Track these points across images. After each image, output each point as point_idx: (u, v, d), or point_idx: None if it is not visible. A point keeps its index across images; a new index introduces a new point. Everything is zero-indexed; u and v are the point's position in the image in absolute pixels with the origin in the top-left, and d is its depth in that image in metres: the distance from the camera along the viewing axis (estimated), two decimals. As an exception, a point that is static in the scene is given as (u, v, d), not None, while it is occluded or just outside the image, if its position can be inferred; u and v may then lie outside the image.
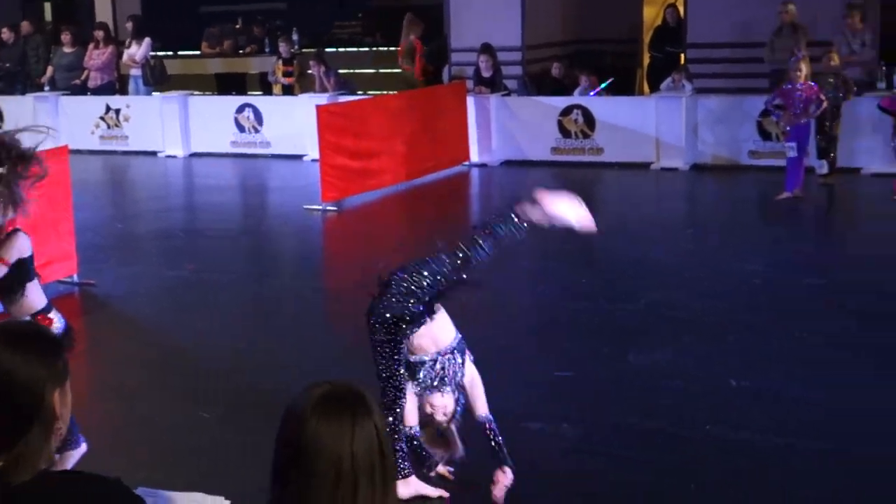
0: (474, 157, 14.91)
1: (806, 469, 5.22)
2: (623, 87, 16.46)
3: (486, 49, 15.36)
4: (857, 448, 5.39)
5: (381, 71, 20.73)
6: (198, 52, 21.52)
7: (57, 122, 16.89)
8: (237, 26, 22.64)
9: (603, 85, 15.28)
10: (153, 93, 17.28)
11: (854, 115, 12.87)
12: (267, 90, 18.16)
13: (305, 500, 2.04)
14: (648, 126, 14.21)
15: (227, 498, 2.70)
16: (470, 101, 14.94)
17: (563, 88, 15.67)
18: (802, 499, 4.93)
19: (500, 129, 15.01)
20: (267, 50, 19.89)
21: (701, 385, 6.36)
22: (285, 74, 17.17)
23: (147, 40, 17.36)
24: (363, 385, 2.18)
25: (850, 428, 5.65)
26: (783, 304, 7.94)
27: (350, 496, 2.04)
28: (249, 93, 18.97)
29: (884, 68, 13.38)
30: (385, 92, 17.40)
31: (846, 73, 12.66)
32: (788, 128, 11.95)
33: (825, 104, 11.87)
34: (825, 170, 12.38)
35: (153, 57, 17.68)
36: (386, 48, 21.17)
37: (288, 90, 17.10)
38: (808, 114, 11.79)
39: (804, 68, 11.79)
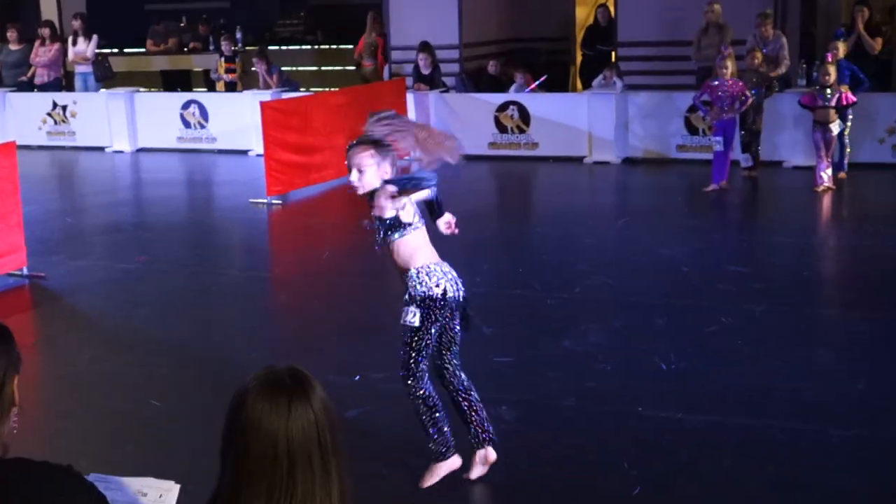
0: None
1: (731, 444, 5.30)
2: (556, 84, 16.55)
3: (425, 47, 15.37)
4: (779, 422, 5.48)
5: (323, 68, 20.67)
6: (143, 50, 21.31)
7: (4, 117, 16.72)
8: (182, 24, 22.44)
9: (538, 82, 15.34)
10: (100, 89, 17.08)
11: (776, 111, 13.05)
12: (211, 87, 18.04)
13: (241, 483, 2.02)
14: (581, 121, 14.31)
15: (177, 482, 2.68)
16: (410, 98, 14.96)
17: (500, 85, 15.73)
18: (727, 471, 5.00)
19: (439, 125, 14.98)
20: (211, 48, 19.73)
21: (632, 367, 6.43)
22: (227, 71, 17.07)
23: (95, 37, 17.16)
24: (307, 370, 2.16)
25: (771, 404, 5.75)
26: (709, 289, 8.04)
27: (286, 479, 2.01)
28: (195, 89, 18.84)
29: (804, 66, 13.57)
30: (327, 88, 17.34)
31: (768, 72, 12.82)
32: (715, 123, 12.09)
33: (750, 100, 12.03)
34: (749, 163, 12.56)
35: (99, 54, 17.47)
36: (327, 46, 21.11)
37: (231, 87, 17.01)
38: (734, 109, 11.93)
39: (730, 66, 11.92)
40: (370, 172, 4.75)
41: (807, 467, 5.04)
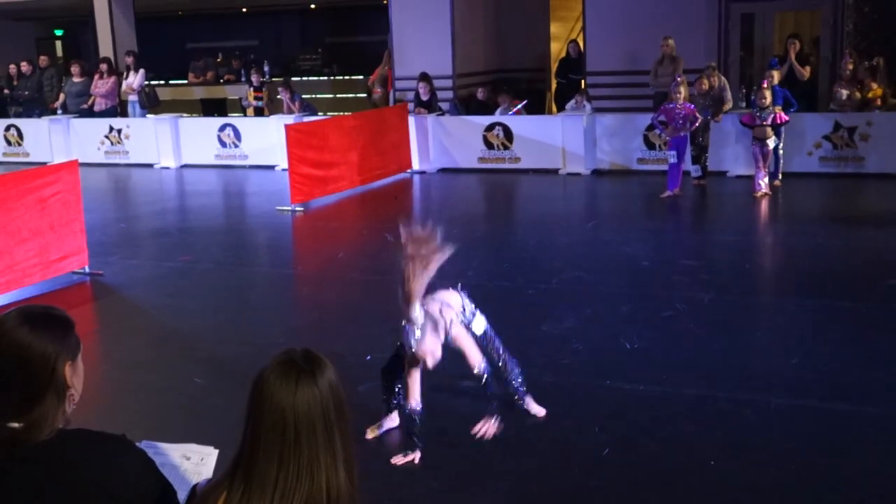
0: (415, 165, 14.90)
1: (685, 411, 5.29)
2: (535, 107, 16.54)
3: (424, 77, 15.36)
4: (725, 393, 5.47)
5: (338, 96, 20.65)
6: (185, 81, 21.28)
7: (68, 140, 16.68)
8: (218, 59, 22.41)
9: (520, 105, 15.34)
10: (148, 115, 17.05)
11: (721, 128, 13.04)
12: (243, 113, 18.03)
13: (257, 447, 2.02)
14: (556, 139, 14.29)
15: (215, 448, 2.66)
16: (411, 120, 14.92)
17: (487, 109, 15.72)
18: (682, 434, 4.98)
19: (436, 143, 15.01)
20: (242, 79, 19.71)
21: (601, 347, 6.41)
22: (256, 99, 17.08)
23: (142, 71, 17.14)
24: (323, 353, 2.15)
25: (719, 378, 5.73)
26: (666, 280, 8.02)
27: (293, 445, 2.01)
28: (229, 114, 18.81)
29: (744, 91, 13.55)
30: (342, 113, 17.32)
31: (714, 95, 12.82)
32: (669, 139, 12.09)
33: (699, 120, 12.03)
34: (699, 173, 12.55)
35: (147, 85, 17.45)
36: (341, 77, 21.09)
37: (259, 112, 17.01)
38: (686, 128, 11.93)
39: (683, 91, 11.91)
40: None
41: (750, 431, 5.03)
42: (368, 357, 6.28)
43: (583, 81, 16.02)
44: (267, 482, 2.00)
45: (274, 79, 18.89)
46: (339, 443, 2.05)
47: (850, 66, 13.20)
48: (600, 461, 4.73)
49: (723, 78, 13.36)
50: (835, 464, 4.60)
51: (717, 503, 4.30)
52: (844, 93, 13.06)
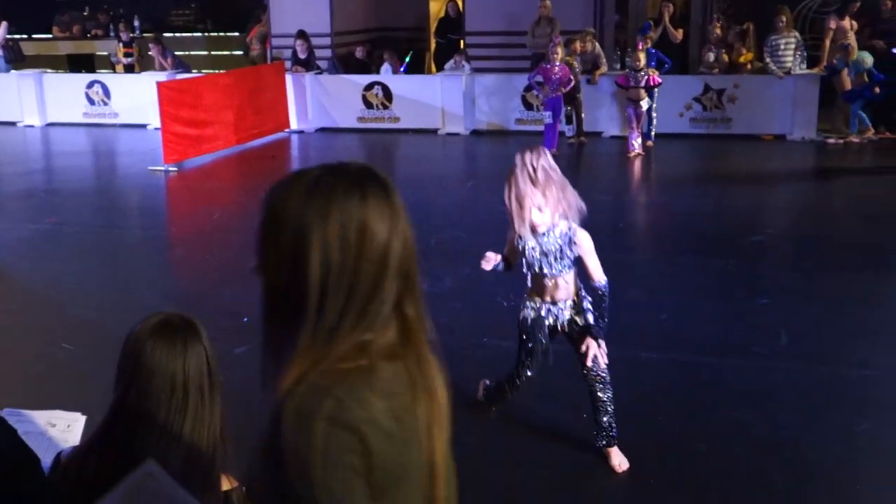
0: (293, 125, 14.72)
1: (558, 365, 5.40)
2: (414, 67, 16.50)
3: (301, 35, 15.12)
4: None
5: (213, 53, 20.14)
6: (50, 36, 20.38)
7: (-77, 96, 15.81)
8: (85, 13, 21.50)
9: (407, 59, 15.33)
10: (11, 70, 16.29)
11: (596, 90, 13.28)
12: (112, 70, 17.42)
13: (144, 411, 2.01)
14: (435, 99, 14.30)
15: (83, 414, 2.60)
16: (288, 79, 14.71)
17: (366, 68, 15.60)
18: (553, 385, 5.08)
19: (315, 102, 14.84)
20: (111, 34, 18.99)
21: (478, 306, 6.50)
22: (125, 55, 16.53)
23: (4, 24, 16.35)
24: (193, 316, 2.14)
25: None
26: (543, 240, 8.14)
27: (181, 407, 2.02)
28: (98, 71, 18.13)
29: (618, 53, 13.82)
30: (217, 71, 16.91)
31: (588, 59, 13.04)
32: (545, 100, 12.24)
33: (574, 81, 12.22)
34: (573, 132, 12.78)
35: (10, 39, 16.65)
36: (216, 33, 20.56)
37: (129, 69, 16.47)
38: (562, 89, 12.10)
39: (559, 52, 12.06)
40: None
41: (622, 385, 5.17)
42: (245, 319, 6.21)
43: (462, 41, 16.05)
44: (149, 443, 1.99)
45: (144, 34, 18.27)
46: (218, 400, 2.09)
47: (718, 31, 13.61)
48: (477, 417, 4.80)
49: (597, 45, 13.60)
50: (702, 415, 4.80)
51: (587, 457, 4.42)
52: (712, 55, 13.47)
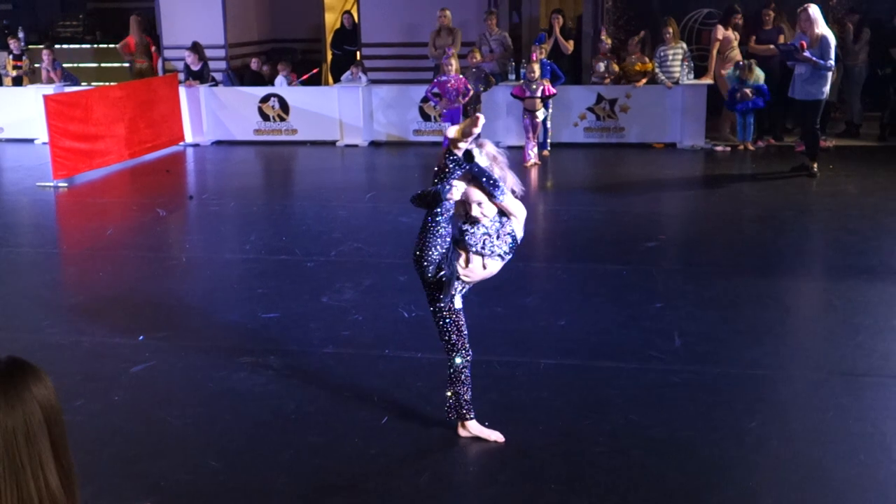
0: (188, 138, 14.51)
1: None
2: (310, 79, 16.43)
3: (195, 47, 14.90)
4: (497, 357, 5.69)
5: (103, 65, 19.67)
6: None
7: None
8: (-32, 25, 20.76)
9: (310, 74, 15.27)
10: None
11: (493, 100, 13.45)
12: (1, 83, 16.88)
13: None
14: (333, 111, 14.28)
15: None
16: (182, 91, 14.49)
17: (262, 79, 15.48)
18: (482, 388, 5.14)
19: (210, 115, 14.65)
20: (-1, 47, 18.40)
21: (380, 317, 6.51)
22: (15, 69, 16.03)
23: None
24: (31, 361, 1.89)
25: (491, 342, 5.93)
26: (442, 250, 8.19)
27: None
28: (-19, 85, 17.54)
29: (513, 64, 14.02)
30: (107, 83, 16.53)
31: (485, 68, 13.19)
32: (443, 111, 12.34)
33: (471, 92, 12.35)
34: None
35: None
36: (106, 45, 20.09)
37: (18, 81, 15.98)
38: (459, 100, 12.22)
39: (454, 63, 12.18)
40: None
41: (522, 391, 5.26)
42: (141, 337, 6.10)
43: (358, 53, 16.05)
44: None
45: (30, 46, 17.74)
46: (51, 452, 1.91)
47: (608, 40, 13.93)
48: (380, 430, 4.81)
49: (504, 32, 13.82)
50: (599, 418, 4.90)
51: (490, 462, 4.48)
52: (602, 65, 13.77)
